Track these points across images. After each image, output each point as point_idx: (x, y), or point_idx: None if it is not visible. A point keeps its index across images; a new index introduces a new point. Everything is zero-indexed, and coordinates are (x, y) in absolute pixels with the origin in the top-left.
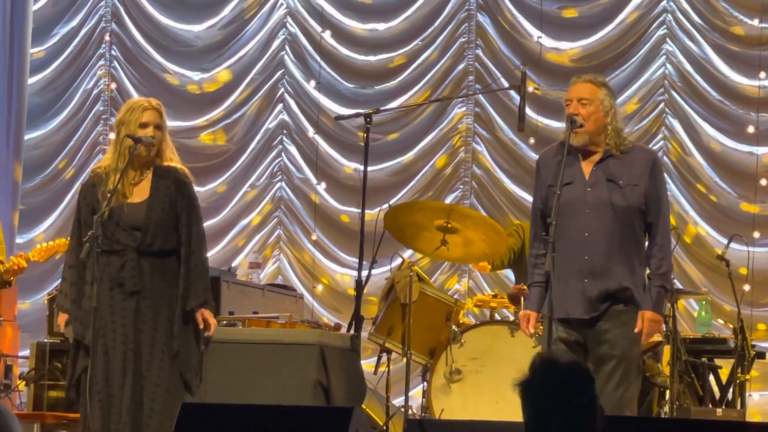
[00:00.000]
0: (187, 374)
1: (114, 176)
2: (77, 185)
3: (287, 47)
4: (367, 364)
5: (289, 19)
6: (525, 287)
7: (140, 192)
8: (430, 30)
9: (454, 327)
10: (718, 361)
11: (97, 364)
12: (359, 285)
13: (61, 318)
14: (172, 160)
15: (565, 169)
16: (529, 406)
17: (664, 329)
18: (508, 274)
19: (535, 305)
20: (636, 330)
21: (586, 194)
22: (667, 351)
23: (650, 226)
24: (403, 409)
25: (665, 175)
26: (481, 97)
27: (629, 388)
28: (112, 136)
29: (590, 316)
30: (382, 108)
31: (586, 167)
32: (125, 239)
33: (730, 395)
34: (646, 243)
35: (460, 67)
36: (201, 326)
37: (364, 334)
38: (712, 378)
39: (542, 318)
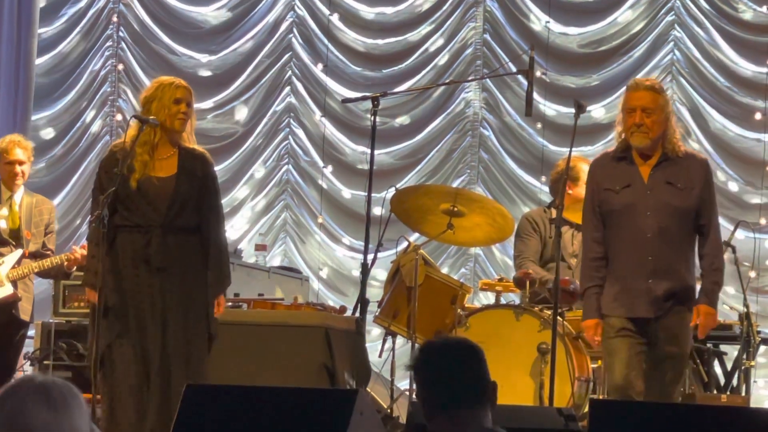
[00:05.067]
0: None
1: (140, 151)
2: (84, 166)
3: (295, 30)
4: (373, 348)
5: (296, 1)
6: (531, 272)
7: (168, 167)
8: (438, 14)
9: (459, 310)
10: (723, 347)
11: (128, 340)
12: (365, 268)
13: (91, 295)
14: (192, 139)
15: (622, 172)
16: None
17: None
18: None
19: (598, 312)
20: (692, 323)
21: (646, 197)
22: None
23: (702, 227)
24: (407, 392)
25: None
26: (488, 81)
27: (680, 382)
28: (119, 117)
29: (656, 315)
30: (389, 91)
31: (644, 170)
32: (150, 214)
33: (735, 381)
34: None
35: (468, 51)
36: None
37: (369, 317)
38: (717, 364)
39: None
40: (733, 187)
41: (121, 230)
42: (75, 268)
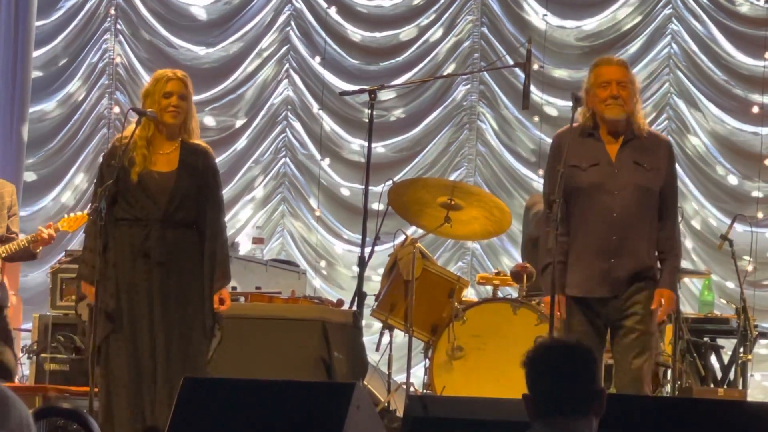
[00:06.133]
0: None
1: (140, 144)
2: (81, 158)
3: (292, 23)
4: (370, 341)
5: None
6: (528, 265)
7: (169, 162)
8: (435, 7)
9: (456, 304)
10: (720, 341)
11: (122, 335)
12: (362, 261)
13: (87, 289)
14: (195, 134)
15: (589, 150)
16: (534, 380)
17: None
18: (512, 251)
19: (560, 289)
20: (653, 307)
21: (614, 176)
22: (669, 330)
23: (663, 210)
24: (404, 386)
25: None
26: (485, 74)
27: (648, 359)
28: (116, 110)
29: (614, 295)
30: (387, 84)
31: (611, 149)
32: (150, 208)
33: (732, 375)
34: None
35: (466, 44)
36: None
37: (366, 311)
38: (714, 358)
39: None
40: (731, 180)
41: (121, 223)
42: (41, 248)
